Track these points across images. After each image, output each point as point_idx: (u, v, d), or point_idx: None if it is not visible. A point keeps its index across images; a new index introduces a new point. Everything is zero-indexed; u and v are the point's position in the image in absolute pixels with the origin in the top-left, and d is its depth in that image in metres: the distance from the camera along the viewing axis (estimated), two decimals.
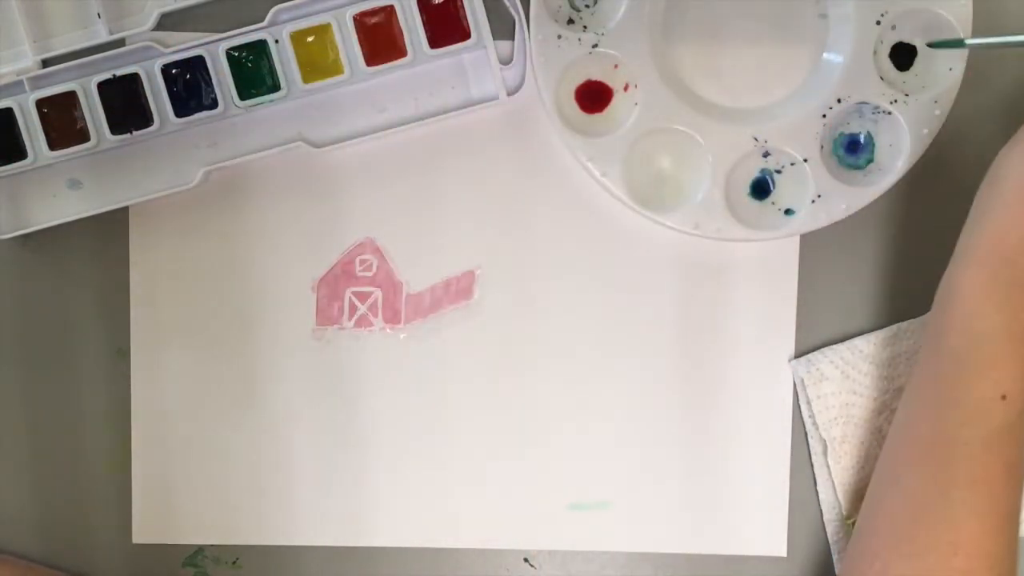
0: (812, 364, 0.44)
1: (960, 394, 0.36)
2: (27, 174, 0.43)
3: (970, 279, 0.36)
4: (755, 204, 0.43)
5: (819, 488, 0.44)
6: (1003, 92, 0.44)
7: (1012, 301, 0.35)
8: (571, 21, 0.42)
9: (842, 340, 0.44)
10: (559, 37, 0.42)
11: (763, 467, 0.44)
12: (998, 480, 0.36)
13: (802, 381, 0.44)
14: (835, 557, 0.44)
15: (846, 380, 0.44)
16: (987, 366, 0.36)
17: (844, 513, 0.44)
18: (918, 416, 0.38)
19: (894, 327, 0.44)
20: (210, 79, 0.42)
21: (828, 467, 0.44)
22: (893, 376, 0.44)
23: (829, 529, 0.45)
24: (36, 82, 0.42)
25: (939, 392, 0.37)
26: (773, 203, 0.43)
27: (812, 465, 0.44)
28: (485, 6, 0.42)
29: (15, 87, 0.42)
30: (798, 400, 0.44)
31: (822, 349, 0.44)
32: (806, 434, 0.44)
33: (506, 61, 0.43)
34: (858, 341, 0.44)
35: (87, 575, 0.45)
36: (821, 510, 0.45)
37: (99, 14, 0.42)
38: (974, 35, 0.42)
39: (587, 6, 0.42)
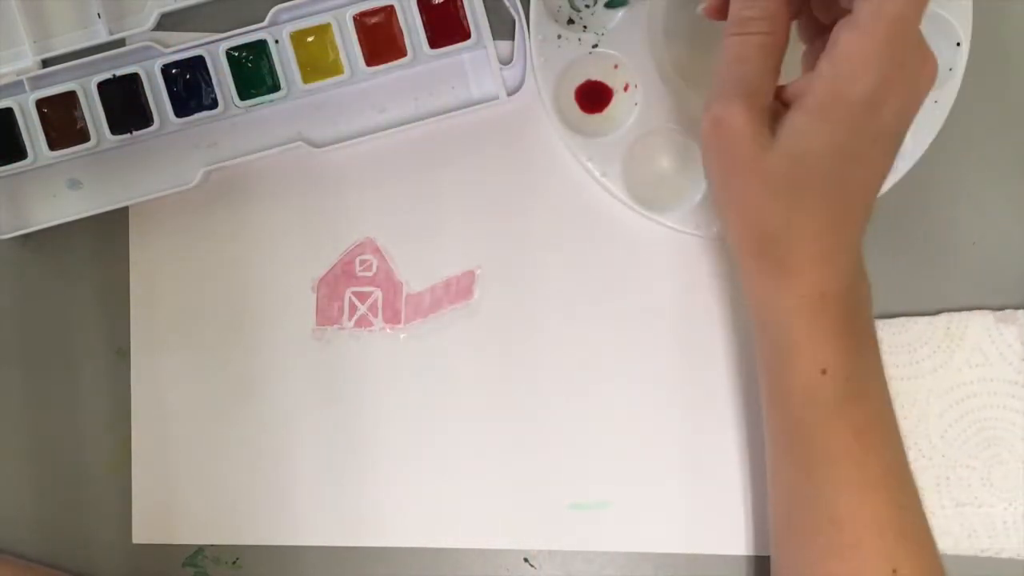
0: None
1: (787, 379, 0.37)
2: (27, 174, 0.43)
3: (746, 272, 0.37)
4: None
5: None
6: (1003, 92, 0.44)
7: (784, 283, 0.36)
8: (571, 21, 0.42)
9: None
10: (559, 37, 0.42)
11: (764, 467, 0.44)
12: (854, 448, 0.37)
13: None
14: None
15: None
16: (797, 347, 0.36)
17: None
18: (769, 408, 0.39)
19: (901, 319, 0.44)
20: (210, 79, 0.42)
21: None
22: (899, 364, 0.44)
23: None
24: (36, 82, 0.42)
25: (773, 381, 0.38)
26: None
27: None
28: (485, 6, 0.42)
29: (15, 87, 0.42)
30: None
31: None
32: None
33: (506, 61, 0.43)
34: None
35: (87, 575, 0.45)
36: None
37: (99, 14, 0.42)
38: (974, 35, 0.42)
39: (587, 6, 0.42)
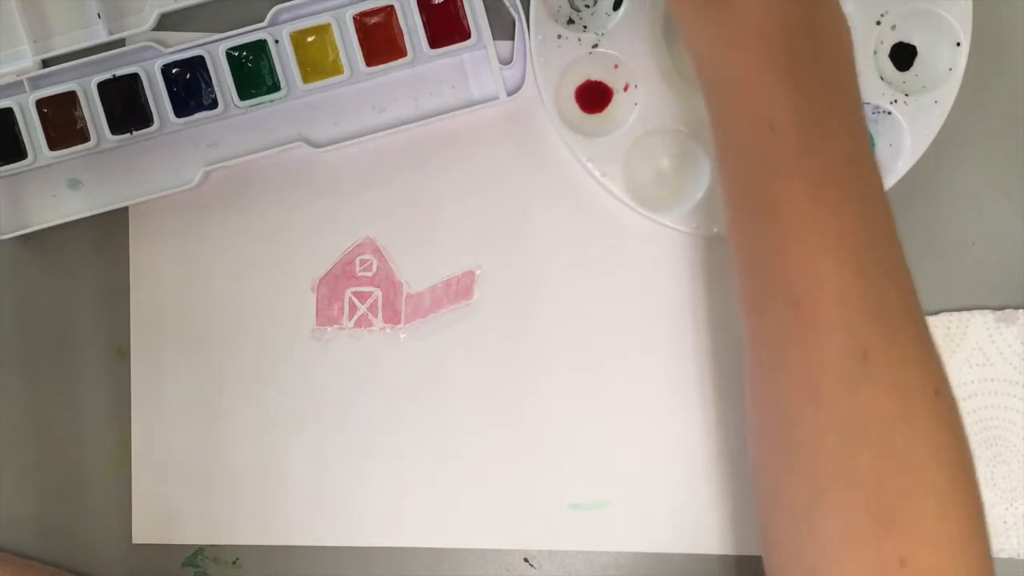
0: None
1: (734, 133, 0.33)
2: (27, 174, 0.43)
3: (687, 25, 0.34)
4: None
5: None
6: (1003, 92, 0.44)
7: (726, 29, 0.32)
8: (571, 21, 0.42)
9: None
10: (559, 37, 0.42)
11: None
12: (805, 209, 0.32)
13: None
14: None
15: None
16: (741, 95, 0.33)
17: None
18: (721, 174, 0.35)
19: None
20: (210, 79, 0.42)
21: None
22: None
23: None
24: (36, 82, 0.42)
25: (721, 138, 0.34)
26: None
27: None
28: (485, 6, 0.42)
29: (15, 87, 0.42)
30: None
31: None
32: None
33: (506, 61, 0.43)
34: None
35: (87, 575, 0.45)
36: None
37: (99, 14, 0.42)
38: (974, 35, 0.42)
39: (587, 6, 0.42)
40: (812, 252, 0.32)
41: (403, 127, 0.43)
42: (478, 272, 0.44)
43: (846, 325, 0.31)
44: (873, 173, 0.33)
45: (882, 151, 0.43)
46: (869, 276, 0.32)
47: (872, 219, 0.33)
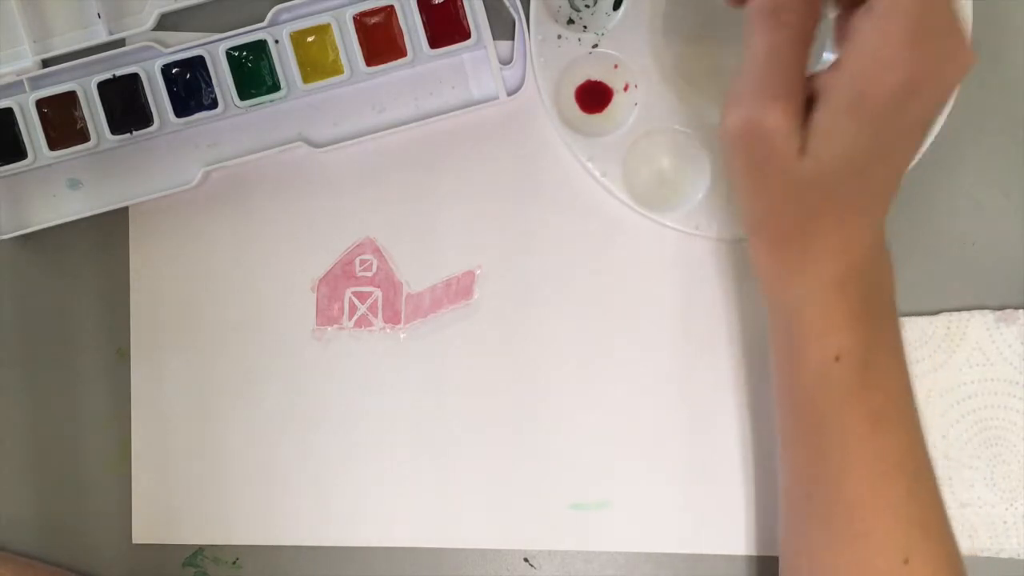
0: None
1: (801, 365, 0.37)
2: (27, 174, 0.43)
3: (760, 258, 0.37)
4: None
5: None
6: (1003, 92, 0.44)
7: (800, 271, 0.35)
8: (571, 21, 0.42)
9: None
10: (559, 37, 0.42)
11: (764, 467, 0.44)
12: (868, 435, 0.36)
13: None
14: None
15: None
16: (811, 333, 0.36)
17: None
18: (781, 393, 0.39)
19: (901, 319, 0.44)
20: (210, 79, 0.42)
21: None
22: None
23: None
24: (36, 82, 0.42)
25: (786, 366, 0.38)
26: None
27: None
28: (485, 6, 0.42)
29: (15, 87, 0.42)
30: None
31: None
32: None
33: (506, 61, 0.43)
34: None
35: (87, 575, 0.45)
36: None
37: (99, 14, 0.42)
38: (974, 35, 0.42)
39: (587, 6, 0.42)
40: (872, 474, 0.36)
41: (403, 127, 0.43)
42: (478, 272, 0.44)
43: (893, 538, 0.36)
44: (914, 401, 0.38)
45: None
46: (916, 495, 0.37)
47: (919, 446, 0.37)
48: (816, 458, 0.37)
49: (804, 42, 0.32)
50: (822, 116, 0.32)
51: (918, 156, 0.40)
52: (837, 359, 0.36)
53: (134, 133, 0.42)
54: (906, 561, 0.36)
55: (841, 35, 0.34)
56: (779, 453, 0.40)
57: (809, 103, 0.33)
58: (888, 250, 0.37)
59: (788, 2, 0.32)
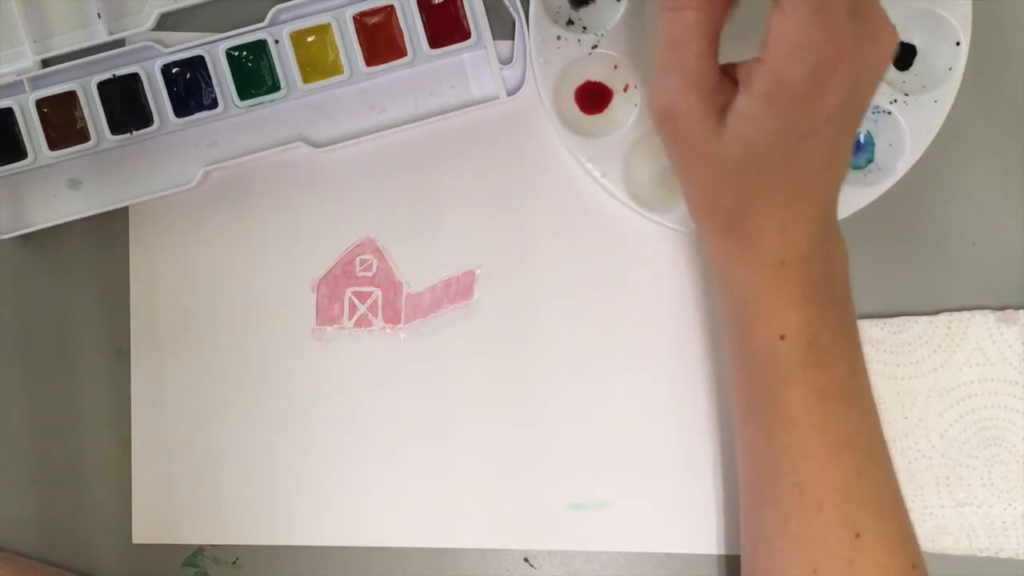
0: None
1: (747, 344, 0.37)
2: (27, 174, 0.43)
3: (706, 239, 0.38)
4: None
5: None
6: (1003, 92, 0.44)
7: (743, 252, 0.36)
8: (571, 22, 0.42)
9: None
10: (559, 38, 0.42)
11: None
12: (815, 413, 0.36)
13: None
14: None
15: None
16: (756, 314, 0.36)
17: None
18: (731, 371, 0.39)
19: (901, 319, 0.44)
20: (210, 79, 0.42)
21: None
22: (899, 363, 0.44)
23: None
24: (36, 82, 0.42)
25: (734, 345, 0.38)
26: None
27: None
28: (485, 6, 0.42)
29: (15, 87, 0.42)
30: None
31: None
32: None
33: (506, 61, 0.43)
34: (865, 323, 0.44)
35: (87, 575, 0.45)
36: None
37: (99, 14, 0.42)
38: (974, 35, 0.42)
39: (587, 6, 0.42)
40: (818, 452, 0.36)
41: (403, 127, 0.43)
42: (478, 272, 0.44)
43: (843, 513, 0.36)
44: (867, 382, 0.38)
45: (882, 151, 0.43)
46: (864, 472, 0.37)
47: (869, 426, 0.38)
48: (765, 438, 0.37)
49: (707, 28, 0.33)
50: (741, 102, 0.33)
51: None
52: (782, 338, 0.36)
53: (134, 133, 0.42)
54: (857, 536, 0.36)
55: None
56: (736, 436, 0.40)
57: (736, 87, 0.34)
58: (840, 237, 0.37)
59: None
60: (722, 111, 0.34)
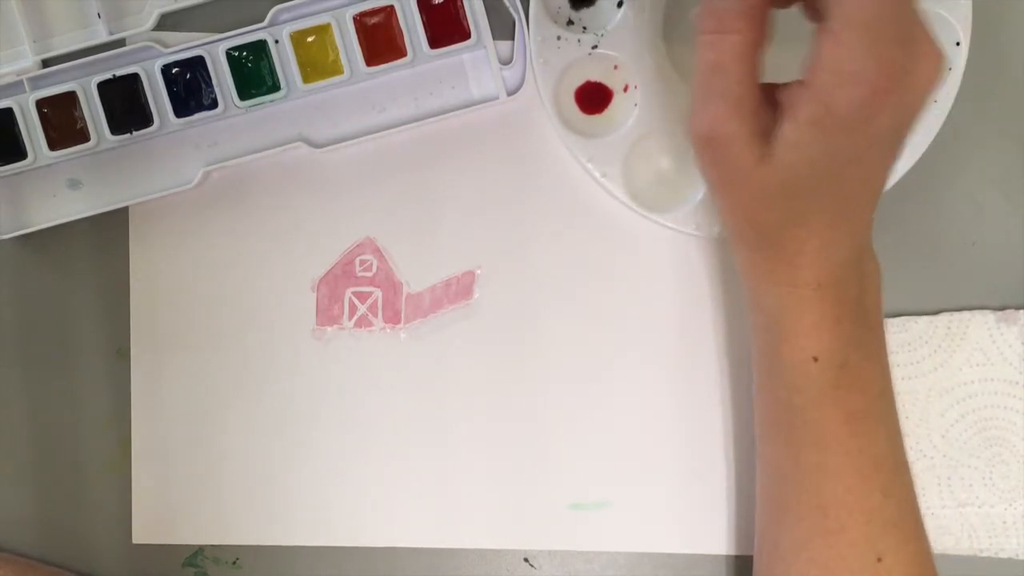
0: None
1: (779, 364, 0.37)
2: (27, 174, 0.43)
3: (741, 259, 0.37)
4: None
5: None
6: (1003, 92, 0.44)
7: (780, 273, 0.36)
8: (571, 22, 0.42)
9: None
10: (559, 38, 0.42)
11: None
12: (843, 435, 0.36)
13: None
14: None
15: None
16: (790, 334, 0.36)
17: None
18: (760, 390, 0.39)
19: (901, 319, 0.44)
20: (210, 79, 0.42)
21: None
22: (899, 363, 0.44)
23: None
24: (36, 82, 0.42)
25: (765, 364, 0.38)
26: None
27: None
28: (485, 6, 0.42)
29: (15, 87, 0.42)
30: None
31: None
32: None
33: (506, 61, 0.43)
34: None
35: (87, 575, 0.45)
36: None
37: (99, 14, 0.42)
38: (974, 35, 0.42)
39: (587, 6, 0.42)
40: (846, 474, 0.37)
41: (403, 127, 0.43)
42: (478, 272, 0.44)
43: (866, 535, 0.36)
44: (893, 402, 0.38)
45: None
46: (891, 495, 0.37)
47: (896, 448, 0.38)
48: (792, 457, 0.37)
49: (748, 53, 0.33)
50: (787, 128, 0.33)
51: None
52: (815, 360, 0.36)
53: (134, 133, 0.42)
54: (879, 559, 0.36)
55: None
56: (757, 452, 0.40)
57: (777, 111, 0.34)
58: (875, 258, 0.37)
59: (730, 16, 0.33)
60: (764, 135, 0.33)
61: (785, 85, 0.34)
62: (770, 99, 0.34)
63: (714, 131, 0.33)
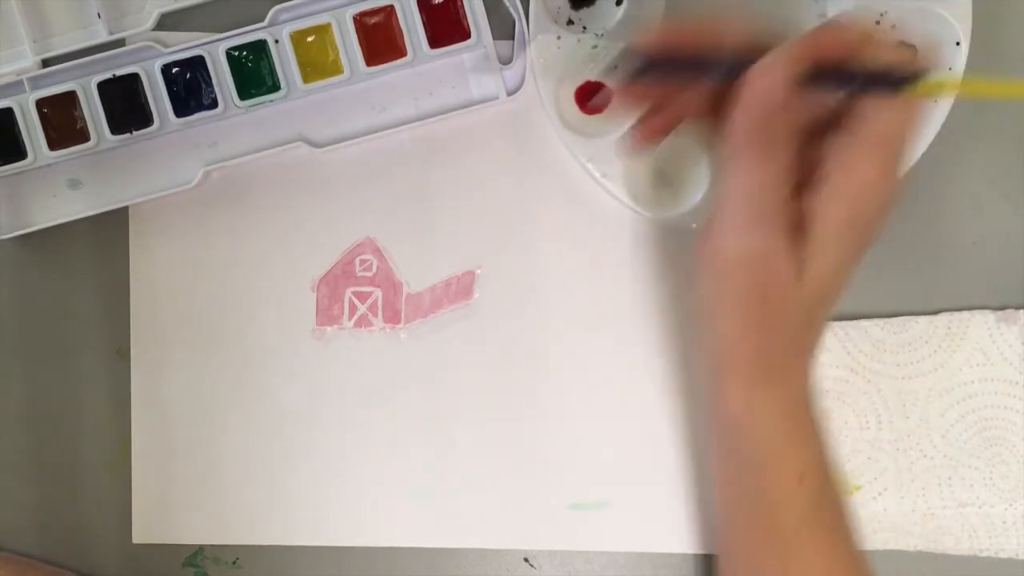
0: None
1: (761, 489, 0.36)
2: (27, 174, 0.43)
3: (725, 385, 0.36)
4: None
5: None
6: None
7: (770, 392, 0.35)
8: (571, 22, 0.42)
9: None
10: (559, 38, 0.42)
11: None
12: (826, 546, 0.36)
13: None
14: None
15: (846, 356, 0.44)
16: (777, 455, 0.36)
17: None
18: (735, 509, 0.38)
19: (901, 319, 0.44)
20: (210, 79, 0.42)
21: None
22: (900, 363, 0.44)
23: None
24: (36, 82, 0.42)
25: (743, 488, 0.37)
26: None
27: None
28: (485, 6, 0.42)
29: (15, 87, 0.42)
30: None
31: (831, 323, 0.44)
32: None
33: (506, 61, 0.43)
34: (866, 323, 0.44)
35: (87, 575, 0.45)
36: None
37: (99, 14, 0.42)
38: (974, 35, 0.42)
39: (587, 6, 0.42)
40: (813, 563, 0.36)
41: (403, 127, 0.43)
42: (478, 272, 0.44)
43: None
44: (844, 493, 0.38)
45: None
46: (847, 557, 0.37)
47: (859, 543, 0.38)
48: (756, 549, 0.37)
49: (792, 171, 0.34)
50: (818, 240, 0.34)
51: (911, 162, 0.40)
52: (800, 480, 0.36)
53: (134, 133, 0.42)
54: None
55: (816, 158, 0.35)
56: (719, 562, 0.41)
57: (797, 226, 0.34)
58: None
59: (778, 138, 0.33)
60: (797, 254, 0.34)
61: (803, 198, 0.34)
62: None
63: (762, 250, 0.34)
